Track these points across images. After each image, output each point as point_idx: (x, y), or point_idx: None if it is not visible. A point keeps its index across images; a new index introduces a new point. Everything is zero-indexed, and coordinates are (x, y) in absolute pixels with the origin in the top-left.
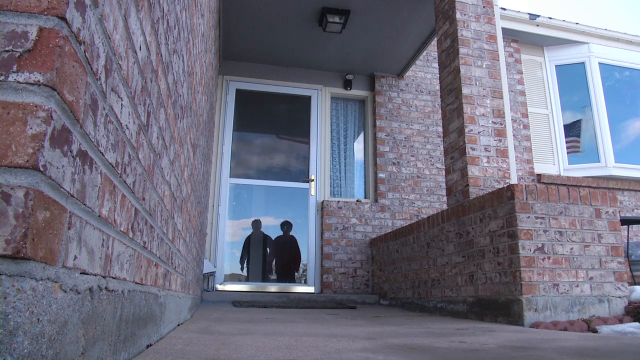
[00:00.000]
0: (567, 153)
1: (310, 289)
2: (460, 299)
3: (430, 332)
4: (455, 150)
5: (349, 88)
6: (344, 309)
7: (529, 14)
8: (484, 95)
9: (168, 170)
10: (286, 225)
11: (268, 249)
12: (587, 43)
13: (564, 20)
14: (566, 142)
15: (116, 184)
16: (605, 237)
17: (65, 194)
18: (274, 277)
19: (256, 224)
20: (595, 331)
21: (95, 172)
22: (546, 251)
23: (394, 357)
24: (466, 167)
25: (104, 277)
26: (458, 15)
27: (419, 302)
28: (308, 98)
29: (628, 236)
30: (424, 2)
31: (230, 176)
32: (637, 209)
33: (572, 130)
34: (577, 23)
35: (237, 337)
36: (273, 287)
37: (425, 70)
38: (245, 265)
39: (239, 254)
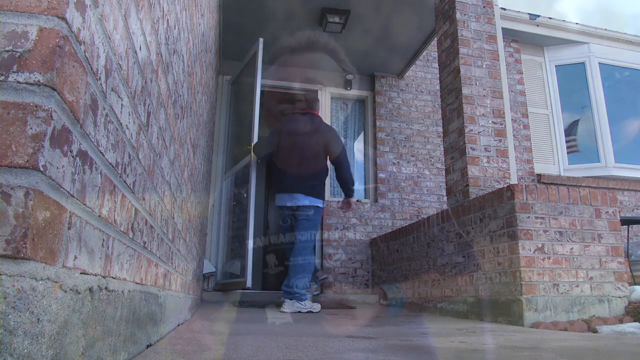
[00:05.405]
0: (567, 153)
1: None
2: (460, 299)
3: (430, 332)
4: (455, 150)
5: (349, 88)
6: (344, 309)
7: (529, 14)
8: (484, 95)
9: (168, 170)
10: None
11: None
12: (587, 43)
13: (564, 20)
14: (566, 142)
15: (116, 184)
16: (605, 237)
17: (65, 194)
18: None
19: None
20: (595, 331)
21: (95, 172)
22: (546, 251)
23: (394, 357)
24: (466, 167)
25: (104, 277)
26: (458, 15)
27: (419, 302)
28: None
29: (628, 236)
30: (424, 2)
31: None
32: (637, 209)
33: (571, 130)
34: (577, 23)
35: (237, 337)
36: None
37: (425, 70)
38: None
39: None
